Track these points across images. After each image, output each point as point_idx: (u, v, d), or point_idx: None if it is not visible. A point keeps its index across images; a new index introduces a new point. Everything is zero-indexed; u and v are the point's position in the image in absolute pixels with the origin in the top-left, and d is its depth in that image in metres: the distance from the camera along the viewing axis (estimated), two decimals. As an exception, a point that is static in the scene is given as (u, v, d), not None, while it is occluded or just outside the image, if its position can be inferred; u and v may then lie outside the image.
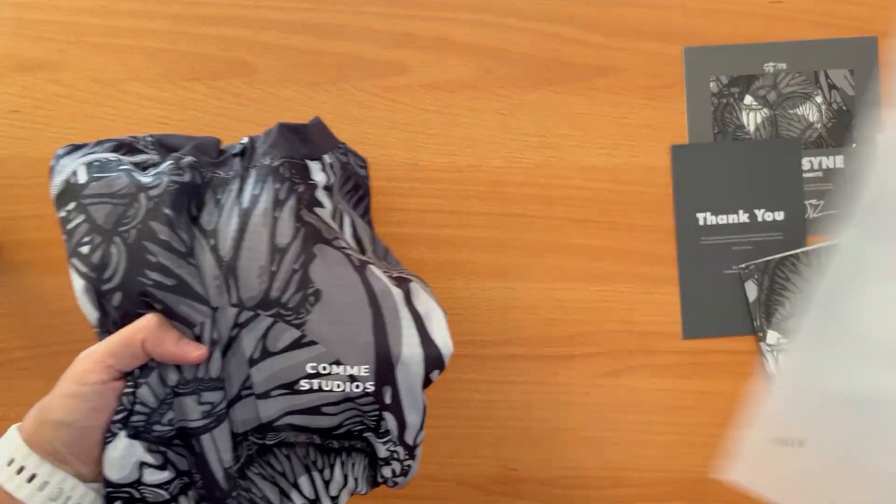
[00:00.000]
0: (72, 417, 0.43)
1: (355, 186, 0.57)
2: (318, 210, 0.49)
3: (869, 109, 0.68)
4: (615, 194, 0.67)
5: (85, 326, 0.65)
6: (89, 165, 0.47)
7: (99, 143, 0.50)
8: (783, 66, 0.68)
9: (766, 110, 0.68)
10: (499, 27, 0.68)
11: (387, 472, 0.51)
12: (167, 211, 0.45)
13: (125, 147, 0.50)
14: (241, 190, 0.48)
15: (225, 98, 0.67)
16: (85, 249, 0.45)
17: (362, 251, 0.51)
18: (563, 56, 0.68)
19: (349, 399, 0.47)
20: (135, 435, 0.45)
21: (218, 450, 0.46)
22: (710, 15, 0.68)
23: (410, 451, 0.51)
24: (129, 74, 0.67)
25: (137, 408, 0.45)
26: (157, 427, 0.45)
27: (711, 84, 0.68)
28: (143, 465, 0.45)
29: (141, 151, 0.50)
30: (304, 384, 0.46)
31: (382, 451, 0.50)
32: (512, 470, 0.66)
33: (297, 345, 0.46)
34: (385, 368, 0.47)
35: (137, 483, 0.45)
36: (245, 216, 0.46)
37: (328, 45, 0.68)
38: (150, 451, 0.45)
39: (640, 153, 0.68)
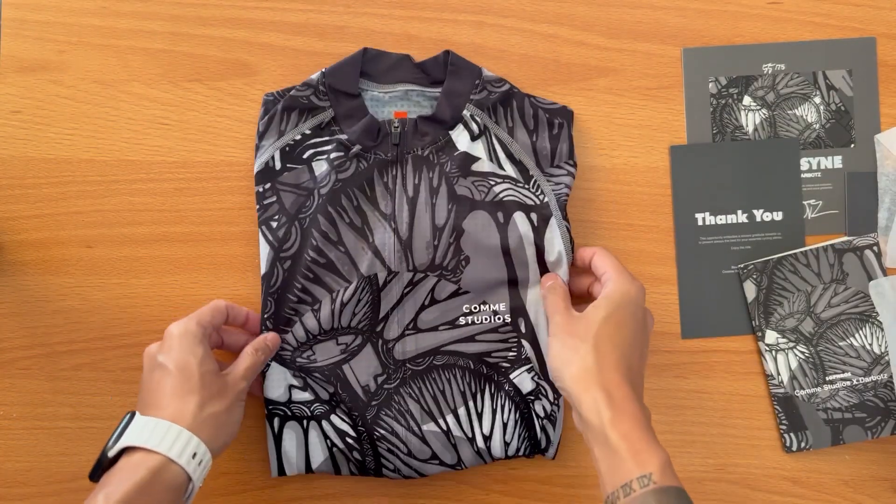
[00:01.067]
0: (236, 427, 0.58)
1: (503, 103, 0.65)
2: (473, 166, 0.63)
3: (867, 110, 0.68)
4: (614, 194, 0.68)
5: (85, 326, 0.66)
6: (283, 152, 0.63)
7: (285, 108, 0.64)
8: (782, 66, 0.68)
9: (764, 111, 0.68)
10: (498, 28, 0.68)
11: (538, 407, 0.63)
12: (329, 209, 0.62)
13: (306, 112, 0.64)
14: (403, 177, 0.63)
15: (226, 99, 0.67)
16: (274, 224, 0.63)
17: (525, 170, 0.64)
18: (562, 57, 0.68)
19: (495, 329, 0.63)
20: (282, 363, 0.62)
21: (355, 374, 0.62)
22: (709, 16, 0.69)
23: (557, 394, 0.63)
24: (130, 75, 0.67)
25: (284, 346, 0.62)
26: (298, 359, 0.62)
27: (710, 85, 0.68)
28: (291, 387, 0.62)
29: (319, 109, 0.64)
30: (462, 320, 0.63)
31: (528, 384, 0.63)
32: (512, 469, 0.66)
33: (455, 294, 0.63)
34: (517, 305, 0.63)
35: (289, 402, 0.62)
36: (412, 205, 0.63)
37: (328, 47, 0.68)
38: (294, 376, 0.62)
39: (639, 154, 0.68)
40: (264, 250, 0.63)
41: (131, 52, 0.67)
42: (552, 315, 0.59)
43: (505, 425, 0.63)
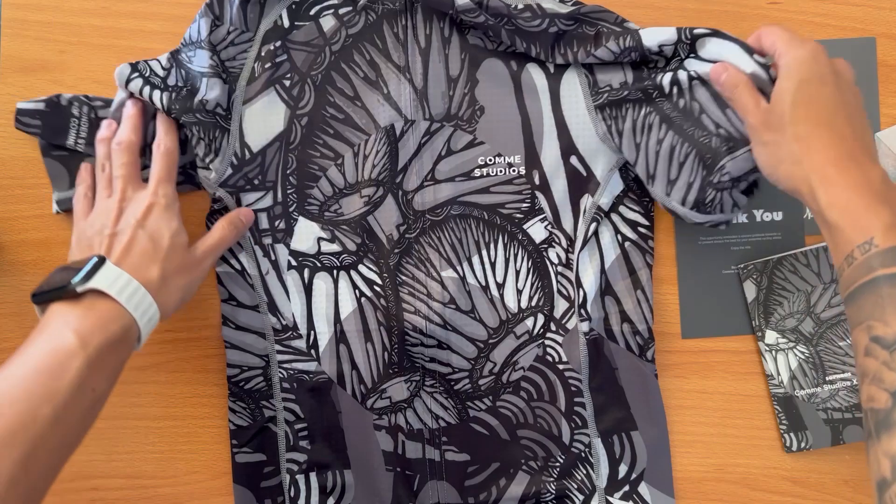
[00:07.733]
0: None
1: None
2: (476, 20, 0.63)
3: (867, 110, 0.68)
4: (614, 194, 0.68)
5: (86, 326, 0.66)
6: (290, 10, 0.65)
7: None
8: (782, 66, 0.68)
9: (764, 111, 0.68)
10: (498, 28, 0.68)
11: (552, 255, 0.65)
12: (342, 65, 0.65)
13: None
14: (414, 27, 0.65)
15: (225, 99, 0.67)
16: (287, 83, 0.65)
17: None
18: (562, 57, 0.68)
19: (509, 181, 0.65)
20: (310, 217, 0.65)
21: (379, 224, 0.65)
22: (709, 16, 0.69)
23: (571, 241, 0.65)
24: (130, 75, 0.67)
25: (311, 200, 0.65)
26: (326, 213, 0.65)
27: (710, 85, 0.68)
28: (319, 239, 0.65)
29: None
30: (477, 172, 0.65)
31: (542, 233, 0.66)
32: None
33: (471, 145, 0.65)
34: (532, 156, 0.65)
35: (318, 254, 0.65)
36: (425, 55, 0.65)
37: (328, 46, 0.68)
38: (322, 229, 0.65)
39: (639, 153, 0.68)
40: (279, 108, 0.65)
41: (131, 52, 0.67)
42: (744, 116, 0.56)
43: (518, 273, 0.65)
